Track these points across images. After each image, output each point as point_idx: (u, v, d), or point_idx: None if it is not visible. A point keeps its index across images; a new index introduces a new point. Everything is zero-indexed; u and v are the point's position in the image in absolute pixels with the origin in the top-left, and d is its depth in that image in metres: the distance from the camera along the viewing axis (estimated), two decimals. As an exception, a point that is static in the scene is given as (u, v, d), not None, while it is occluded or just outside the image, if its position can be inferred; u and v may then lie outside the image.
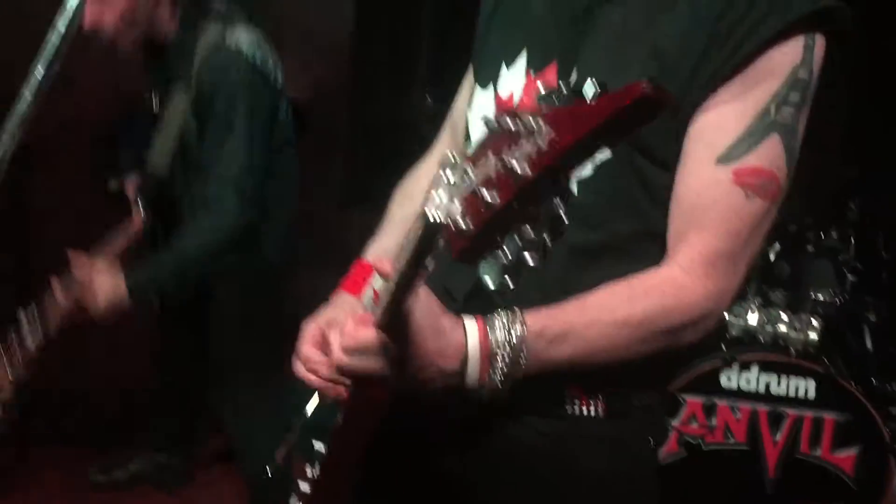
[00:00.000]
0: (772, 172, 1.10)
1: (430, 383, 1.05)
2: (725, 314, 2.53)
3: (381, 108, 5.31)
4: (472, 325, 1.06)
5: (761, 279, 3.08)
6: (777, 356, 2.78)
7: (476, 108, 1.34)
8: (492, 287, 0.68)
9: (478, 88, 1.34)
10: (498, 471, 1.29)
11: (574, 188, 1.16)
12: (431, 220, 0.69)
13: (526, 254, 0.67)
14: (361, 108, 5.19)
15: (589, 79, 0.72)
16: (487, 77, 1.31)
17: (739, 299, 2.81)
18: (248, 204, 2.38)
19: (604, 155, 1.14)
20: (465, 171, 0.69)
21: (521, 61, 1.26)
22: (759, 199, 1.11)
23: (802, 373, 2.77)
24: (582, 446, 1.25)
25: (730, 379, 2.80)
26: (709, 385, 2.79)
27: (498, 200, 0.64)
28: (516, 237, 0.67)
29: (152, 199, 2.51)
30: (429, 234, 0.74)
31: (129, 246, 2.44)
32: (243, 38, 2.41)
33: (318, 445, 1.40)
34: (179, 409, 3.23)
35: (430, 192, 0.72)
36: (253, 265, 2.56)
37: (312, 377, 1.23)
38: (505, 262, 0.68)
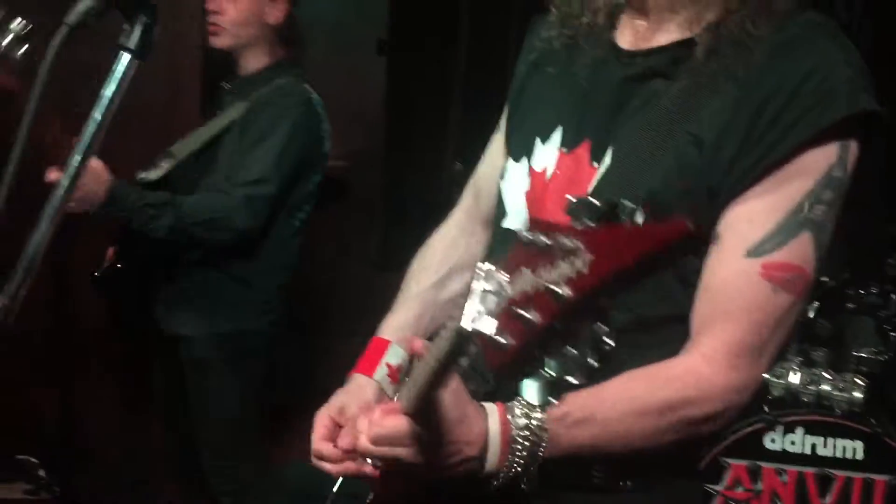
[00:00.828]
0: (800, 268, 1.11)
1: (454, 469, 1.06)
2: (766, 374, 2.49)
3: (414, 174, 5.39)
4: (493, 411, 1.07)
5: (801, 338, 3.03)
6: (822, 416, 2.72)
7: (510, 180, 1.35)
8: (534, 403, 0.69)
9: (511, 161, 1.36)
10: None
11: None
12: (467, 329, 0.69)
13: (569, 374, 0.67)
14: (395, 174, 5.27)
15: (622, 201, 0.72)
16: (521, 151, 1.33)
17: (780, 359, 2.76)
18: (253, 209, 2.43)
19: None
20: (502, 285, 0.69)
21: (556, 138, 1.28)
22: (786, 293, 1.11)
23: (849, 434, 2.70)
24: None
25: (774, 441, 2.74)
26: (753, 448, 2.73)
27: (539, 320, 0.64)
28: (559, 357, 0.67)
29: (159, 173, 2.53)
30: (462, 343, 0.75)
31: None
32: (314, 94, 2.57)
33: None
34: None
35: (465, 302, 0.72)
36: (236, 329, 2.57)
37: (330, 467, 1.25)
38: (547, 378, 0.68)
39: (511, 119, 1.43)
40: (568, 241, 0.65)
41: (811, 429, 2.72)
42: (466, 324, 0.70)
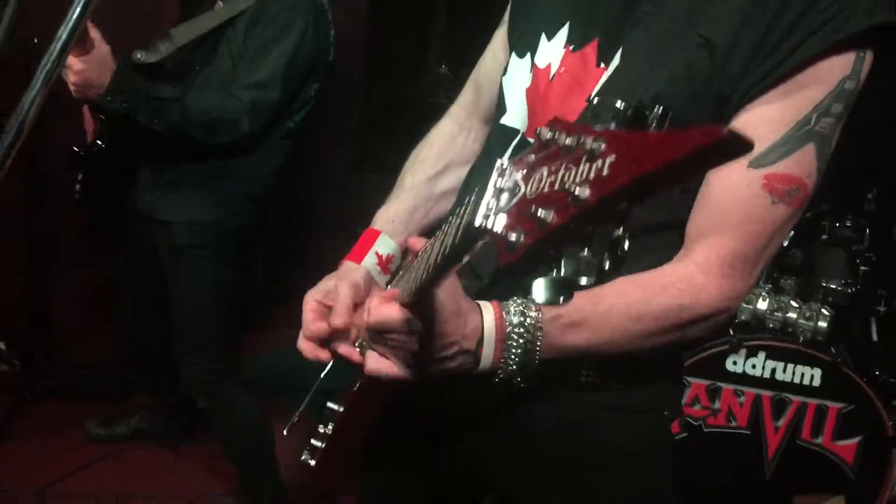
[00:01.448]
0: (801, 180, 1.09)
1: (449, 363, 1.05)
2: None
3: (395, 74, 5.28)
4: (488, 307, 1.07)
5: (773, 266, 3.06)
6: (784, 343, 2.78)
7: (511, 76, 1.31)
8: (540, 301, 0.66)
9: (514, 57, 1.31)
10: (515, 440, 1.29)
11: None
12: (479, 225, 0.67)
13: (581, 276, 0.65)
14: (376, 73, 5.16)
15: (658, 106, 0.69)
16: (525, 46, 1.29)
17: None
18: (254, 109, 2.36)
19: None
20: (517, 182, 0.67)
21: (562, 34, 1.24)
22: (784, 205, 1.09)
23: (809, 361, 2.77)
24: (598, 417, 1.26)
25: (735, 363, 2.80)
26: (714, 368, 2.79)
27: (555, 220, 0.61)
28: (572, 258, 0.65)
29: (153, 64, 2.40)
30: (471, 239, 0.73)
31: None
32: None
33: (331, 405, 1.41)
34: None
35: (477, 196, 0.70)
36: (213, 220, 2.52)
37: (321, 353, 1.24)
38: (556, 279, 0.66)
39: (515, 12, 1.38)
40: (591, 141, 0.62)
41: (773, 353, 2.78)
42: (478, 220, 0.68)
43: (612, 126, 0.67)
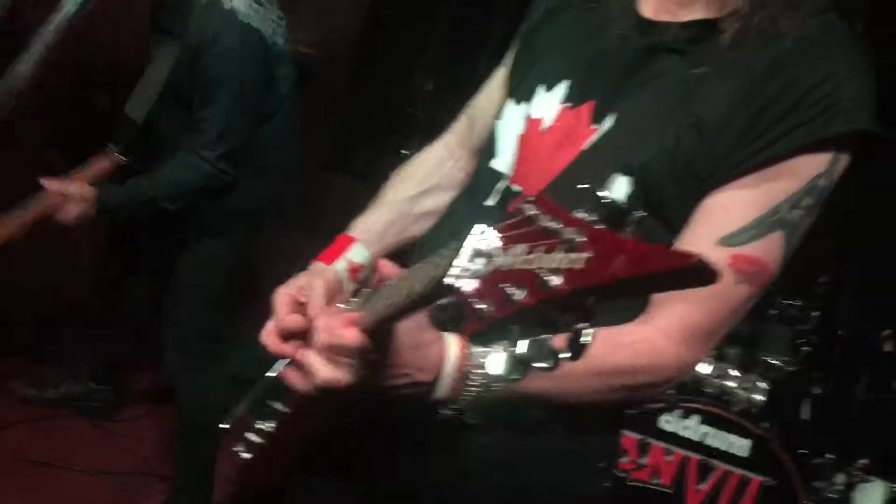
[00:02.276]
0: (766, 265, 1.11)
1: (400, 390, 1.06)
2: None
3: (382, 83, 5.28)
4: (453, 343, 1.07)
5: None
6: (720, 410, 2.83)
7: (506, 122, 1.33)
8: (495, 374, 0.68)
9: (510, 102, 1.34)
10: (452, 474, 1.29)
11: None
12: (445, 284, 0.69)
13: (540, 360, 0.67)
14: (364, 78, 5.16)
15: (635, 212, 0.70)
16: (523, 94, 1.31)
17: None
18: (226, 163, 2.43)
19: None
20: (493, 251, 0.69)
21: (560, 90, 1.26)
22: (747, 285, 1.12)
23: (740, 431, 2.82)
24: (533, 458, 1.26)
25: (669, 422, 2.84)
26: (647, 424, 2.83)
27: (524, 300, 0.63)
28: (533, 341, 0.67)
29: (126, 142, 2.53)
30: (439, 294, 0.75)
31: (98, 177, 2.49)
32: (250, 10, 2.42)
33: (275, 404, 1.41)
34: (123, 340, 3.19)
35: (451, 252, 0.71)
36: (227, 212, 2.57)
37: (286, 348, 1.22)
38: (514, 356, 0.67)
39: (518, 59, 1.41)
40: (571, 231, 0.64)
41: (706, 418, 2.83)
42: (448, 278, 0.69)
43: (593, 217, 0.70)
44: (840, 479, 3.07)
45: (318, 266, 1.37)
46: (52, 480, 2.80)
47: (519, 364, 0.67)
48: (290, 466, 1.50)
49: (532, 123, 1.27)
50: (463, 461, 1.28)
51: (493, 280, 0.67)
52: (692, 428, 2.83)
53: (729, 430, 2.82)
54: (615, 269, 0.59)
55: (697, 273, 0.59)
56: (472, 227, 1.29)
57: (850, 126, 1.07)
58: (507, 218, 0.73)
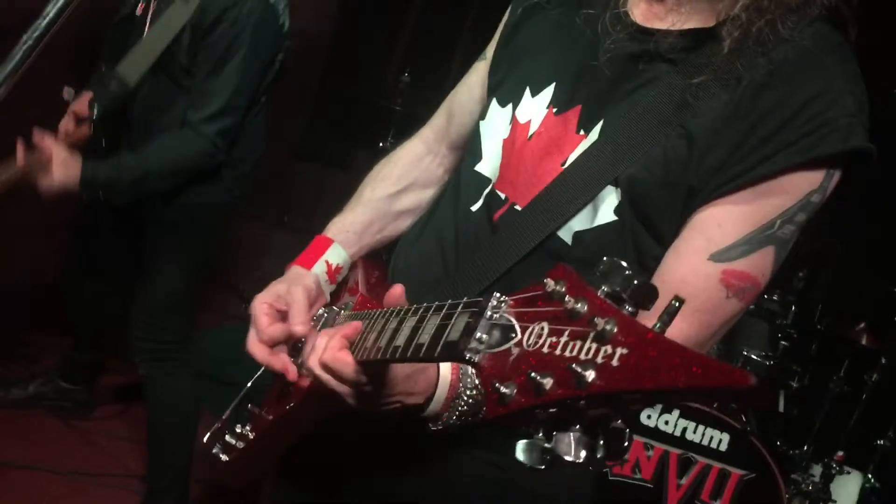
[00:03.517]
0: (756, 279, 1.10)
1: (388, 412, 1.05)
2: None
3: (355, 74, 5.24)
4: (446, 370, 1.06)
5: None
6: (699, 405, 2.84)
7: (490, 124, 1.30)
8: (521, 460, 0.64)
9: (494, 103, 1.30)
10: (434, 491, 1.27)
11: (569, 240, 1.15)
12: (468, 358, 0.66)
13: (572, 455, 0.62)
14: (337, 70, 5.10)
15: (676, 301, 0.67)
16: (508, 96, 1.28)
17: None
18: (222, 139, 2.33)
19: (608, 218, 1.13)
20: (513, 325, 0.65)
21: (547, 94, 1.23)
22: (737, 300, 1.11)
23: (719, 425, 2.83)
24: (523, 467, 1.24)
25: (650, 417, 2.85)
26: (628, 420, 2.82)
27: (555, 392, 0.59)
28: (565, 434, 0.62)
29: (110, 110, 2.38)
30: (451, 359, 0.73)
31: (77, 142, 2.39)
32: None
33: (252, 408, 1.40)
34: (94, 339, 3.12)
35: (465, 315, 0.69)
36: (203, 200, 2.49)
37: (273, 361, 1.21)
38: (542, 447, 0.63)
39: (498, 57, 1.36)
40: (602, 322, 0.59)
41: (686, 413, 2.84)
42: (468, 353, 0.66)
43: (615, 289, 0.65)
44: (817, 470, 3.12)
45: (297, 271, 1.34)
46: (21, 482, 2.73)
47: (543, 453, 0.63)
48: (269, 468, 1.48)
49: (518, 128, 1.24)
50: (450, 474, 1.26)
51: (515, 362, 0.63)
52: (672, 423, 2.84)
53: (708, 425, 2.84)
54: (658, 376, 0.55)
55: (755, 395, 0.53)
56: (454, 230, 1.29)
57: (845, 146, 1.05)
58: (526, 290, 0.70)
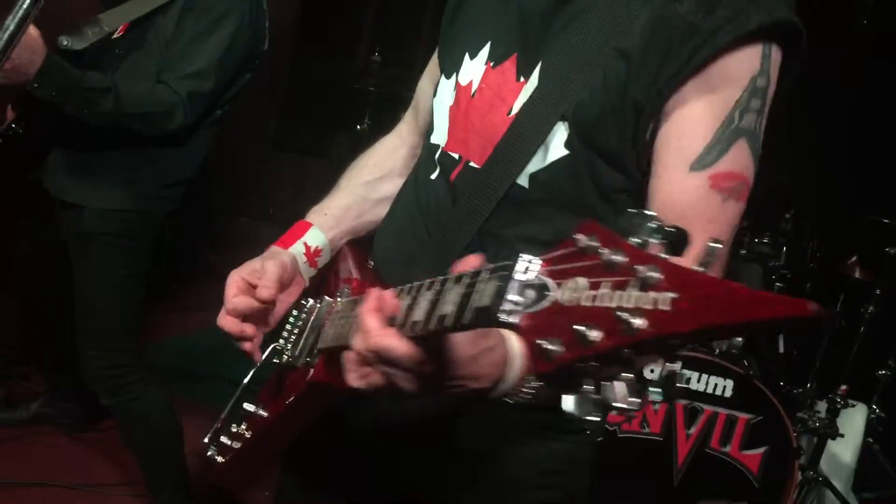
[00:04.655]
0: (742, 175, 1.11)
1: (454, 396, 0.98)
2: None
3: (323, 61, 5.19)
4: (515, 342, 0.97)
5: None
6: (701, 354, 2.85)
7: (440, 97, 1.32)
8: (573, 415, 0.63)
9: (442, 78, 1.33)
10: (443, 454, 1.28)
11: (526, 183, 1.16)
12: (502, 320, 0.66)
13: (625, 403, 0.62)
14: (305, 57, 5.06)
15: (709, 244, 0.66)
16: (452, 67, 1.30)
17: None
18: (191, 103, 2.26)
19: (560, 153, 1.14)
20: (546, 283, 0.64)
21: (484, 53, 1.25)
22: (734, 200, 1.11)
23: (723, 372, 2.85)
24: (527, 435, 1.25)
25: (653, 371, 2.84)
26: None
27: (604, 342, 0.59)
28: (616, 382, 0.62)
29: (76, 50, 2.25)
30: (486, 324, 0.72)
31: None
32: None
33: (248, 406, 1.39)
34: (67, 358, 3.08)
35: (492, 278, 0.68)
36: (133, 208, 2.40)
37: (246, 327, 1.23)
38: (594, 399, 0.63)
39: (444, 37, 1.40)
40: (644, 269, 0.59)
41: (689, 363, 2.85)
42: (502, 315, 0.66)
43: (653, 243, 0.64)
44: (822, 406, 3.14)
45: (274, 250, 1.36)
46: (30, 500, 2.72)
47: (596, 405, 0.63)
48: (269, 467, 1.47)
49: (461, 91, 1.27)
50: (456, 442, 1.26)
51: (557, 318, 0.63)
52: (676, 374, 2.85)
53: (712, 373, 2.85)
54: (711, 314, 0.55)
55: (812, 319, 0.53)
56: (417, 202, 1.29)
57: (770, 17, 1.07)
58: (554, 249, 0.69)
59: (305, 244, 1.37)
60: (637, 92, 1.10)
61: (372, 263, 1.39)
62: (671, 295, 0.57)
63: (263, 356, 1.30)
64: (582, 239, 0.65)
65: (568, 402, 0.63)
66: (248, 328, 1.24)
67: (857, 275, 3.26)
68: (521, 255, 0.69)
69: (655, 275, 0.59)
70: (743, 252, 3.16)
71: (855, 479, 3.32)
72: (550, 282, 0.65)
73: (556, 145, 1.15)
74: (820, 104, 3.45)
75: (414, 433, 1.28)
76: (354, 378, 0.96)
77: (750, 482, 2.90)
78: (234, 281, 1.25)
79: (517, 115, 1.17)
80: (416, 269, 1.18)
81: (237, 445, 1.38)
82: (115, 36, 2.32)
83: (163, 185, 2.42)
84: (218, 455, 1.41)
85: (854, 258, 3.27)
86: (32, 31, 1.96)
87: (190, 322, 3.90)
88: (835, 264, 3.31)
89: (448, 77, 1.31)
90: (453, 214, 1.22)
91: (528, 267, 0.67)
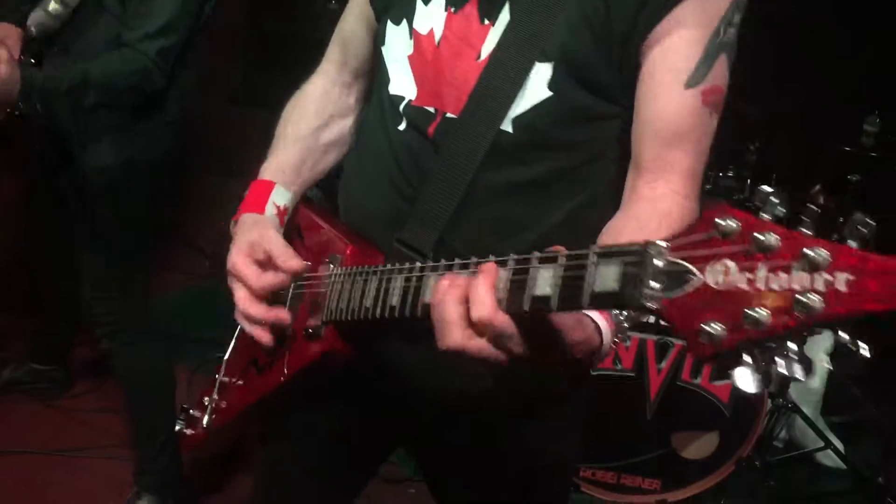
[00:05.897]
0: (723, 88, 1.15)
1: (549, 368, 1.00)
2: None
3: (280, 10, 5.08)
4: (604, 323, 0.98)
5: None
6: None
7: (390, 45, 1.28)
8: (750, 392, 0.65)
9: (389, 24, 1.28)
10: (437, 387, 1.28)
11: (510, 128, 1.16)
12: (649, 306, 0.68)
13: (793, 372, 0.64)
14: (261, 8, 4.95)
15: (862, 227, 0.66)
16: (401, 13, 1.26)
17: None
18: (163, 59, 2.25)
19: (542, 94, 1.13)
20: (688, 267, 0.66)
21: None
22: (716, 113, 1.15)
23: (692, 306, 2.87)
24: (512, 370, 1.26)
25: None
26: (603, 312, 2.86)
27: (778, 323, 0.61)
28: (778, 358, 0.64)
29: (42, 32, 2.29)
30: (624, 308, 0.75)
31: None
32: None
33: (224, 378, 1.39)
34: (59, 316, 3.07)
35: (619, 268, 0.71)
36: (137, 158, 2.40)
37: (281, 313, 1.22)
38: (760, 371, 0.65)
39: None
40: (810, 251, 0.60)
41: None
42: (649, 302, 0.68)
43: (777, 215, 0.68)
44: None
45: (254, 217, 1.32)
46: (9, 468, 2.71)
47: (768, 378, 0.65)
48: (239, 433, 1.49)
49: (421, 39, 1.23)
50: (450, 376, 1.24)
51: (710, 302, 0.65)
52: (645, 311, 2.88)
53: (681, 307, 2.87)
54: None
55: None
56: (393, 157, 1.27)
57: None
58: (685, 234, 0.70)
59: (276, 205, 1.34)
60: (621, 23, 1.10)
61: (331, 219, 1.37)
62: (847, 276, 0.59)
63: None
64: (721, 223, 0.66)
65: (741, 378, 0.65)
66: (283, 313, 1.22)
67: (821, 201, 3.29)
68: (649, 240, 0.70)
69: (825, 255, 0.60)
70: (708, 187, 3.17)
71: (823, 405, 3.39)
72: (691, 266, 0.67)
73: (538, 86, 1.14)
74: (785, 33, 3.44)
75: (409, 371, 1.29)
76: (456, 339, 0.91)
77: (721, 411, 2.95)
78: (245, 262, 1.23)
79: (491, 58, 1.15)
80: (410, 226, 1.21)
81: (211, 418, 1.38)
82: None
83: (163, 126, 2.43)
84: (187, 427, 1.42)
85: (818, 186, 3.30)
86: (2, 68, 2.05)
87: (162, 281, 3.86)
88: (799, 193, 3.33)
89: (397, 23, 1.26)
90: (438, 167, 1.20)
91: (659, 252, 0.69)
